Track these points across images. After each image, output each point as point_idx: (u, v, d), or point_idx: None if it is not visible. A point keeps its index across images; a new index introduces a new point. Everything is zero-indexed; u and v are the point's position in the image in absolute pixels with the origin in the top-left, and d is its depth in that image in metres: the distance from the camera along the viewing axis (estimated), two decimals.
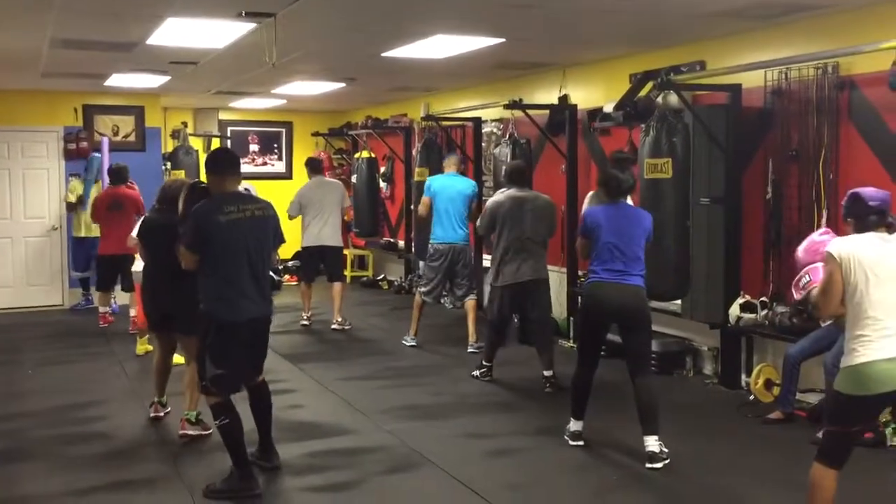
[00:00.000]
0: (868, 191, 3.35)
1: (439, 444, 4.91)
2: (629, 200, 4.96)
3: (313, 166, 8.85)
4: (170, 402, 5.40)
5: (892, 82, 4.92)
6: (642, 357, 4.71)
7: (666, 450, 4.50)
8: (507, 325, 6.40)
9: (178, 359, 5.47)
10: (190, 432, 4.94)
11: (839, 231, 3.98)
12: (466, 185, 7.56)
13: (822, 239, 4.24)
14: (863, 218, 3.29)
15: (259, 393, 4.50)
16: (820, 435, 3.33)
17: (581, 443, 4.82)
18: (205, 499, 4.08)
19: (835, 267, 3.21)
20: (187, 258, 4.19)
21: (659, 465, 4.45)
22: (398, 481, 4.38)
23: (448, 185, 7.45)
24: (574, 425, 4.86)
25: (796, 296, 3.88)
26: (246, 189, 5.04)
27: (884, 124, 5.15)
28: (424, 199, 7.56)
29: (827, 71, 5.39)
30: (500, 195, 6.30)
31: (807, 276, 3.68)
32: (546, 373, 6.10)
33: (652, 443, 4.51)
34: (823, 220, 5.41)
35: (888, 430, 4.62)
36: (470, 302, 7.39)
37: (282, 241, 4.49)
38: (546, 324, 6.27)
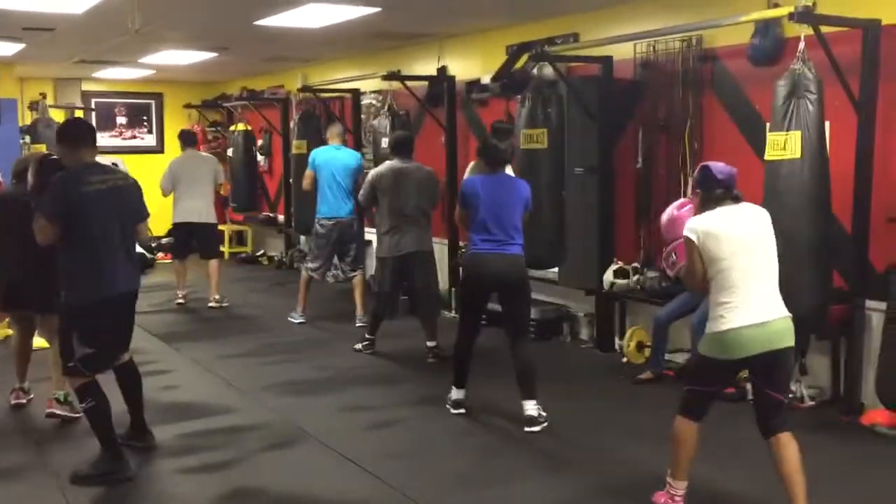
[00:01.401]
0: (717, 165, 3.50)
1: (321, 419, 4.86)
2: (510, 170, 5.00)
3: (186, 139, 8.51)
4: (32, 387, 5.11)
5: (751, 54, 5.17)
6: (521, 325, 4.79)
7: (544, 413, 4.62)
8: (394, 298, 6.35)
9: (39, 343, 5.18)
10: (58, 412, 4.70)
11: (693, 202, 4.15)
12: (351, 157, 7.36)
13: (680, 213, 4.41)
14: (710, 190, 3.44)
15: (127, 371, 4.32)
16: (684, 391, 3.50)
17: (463, 410, 4.88)
18: (72, 486, 3.88)
19: (693, 249, 3.38)
20: (46, 231, 3.90)
21: (537, 427, 4.57)
22: (278, 457, 4.30)
23: (332, 159, 7.23)
24: (455, 394, 4.91)
25: (668, 272, 4.04)
26: (114, 164, 4.79)
27: (744, 95, 5.40)
28: (308, 172, 7.32)
29: (691, 44, 5.60)
30: (382, 167, 6.24)
31: (673, 254, 3.83)
32: (430, 343, 6.13)
33: (530, 407, 4.62)
34: (689, 189, 5.64)
35: (749, 386, 4.88)
36: (357, 277, 7.31)
37: (146, 214, 4.29)
38: (431, 295, 6.28)
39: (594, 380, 5.70)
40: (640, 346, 5.87)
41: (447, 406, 4.92)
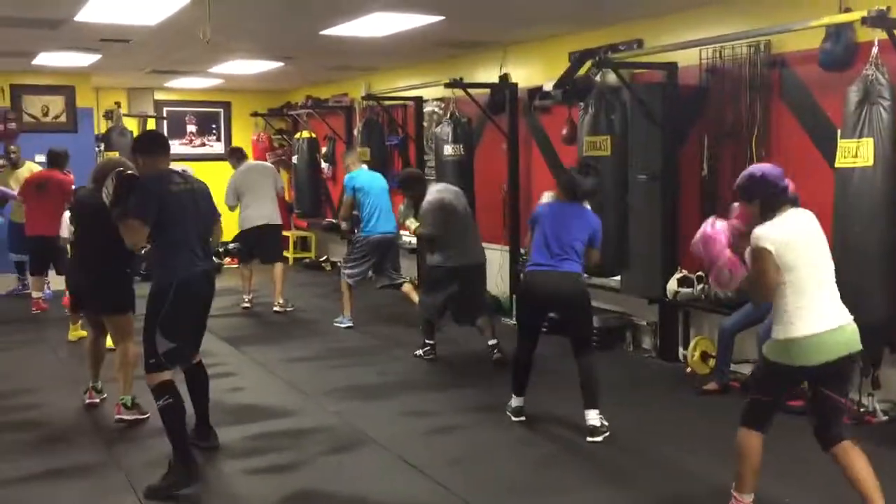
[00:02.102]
0: (768, 168, 3.38)
1: (382, 423, 4.91)
2: (587, 206, 4.87)
3: (238, 155, 8.78)
4: (105, 388, 5.29)
5: (822, 59, 5.05)
6: (584, 339, 4.76)
7: (606, 423, 4.58)
8: (442, 304, 6.36)
9: (111, 343, 5.35)
10: (126, 417, 4.85)
11: (741, 213, 3.54)
12: (382, 178, 7.74)
13: (714, 231, 3.67)
14: (772, 197, 3.29)
15: (196, 373, 4.44)
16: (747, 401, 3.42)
17: (522, 418, 4.87)
18: (147, 500, 3.87)
19: (767, 260, 3.21)
20: (137, 231, 4.01)
21: (600, 438, 4.53)
22: (341, 461, 4.36)
23: (372, 180, 7.58)
24: (515, 401, 4.91)
25: (718, 290, 3.63)
26: (184, 170, 4.95)
27: (814, 101, 5.27)
28: (348, 199, 7.55)
29: (759, 49, 5.49)
30: (439, 193, 6.23)
31: (727, 271, 3.54)
32: (490, 342, 6.15)
33: (593, 416, 4.58)
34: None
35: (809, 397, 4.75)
36: (407, 286, 7.39)
37: (218, 214, 4.52)
38: (478, 302, 6.31)
39: (657, 390, 5.62)
40: (705, 357, 5.77)
41: (507, 413, 4.92)
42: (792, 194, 3.34)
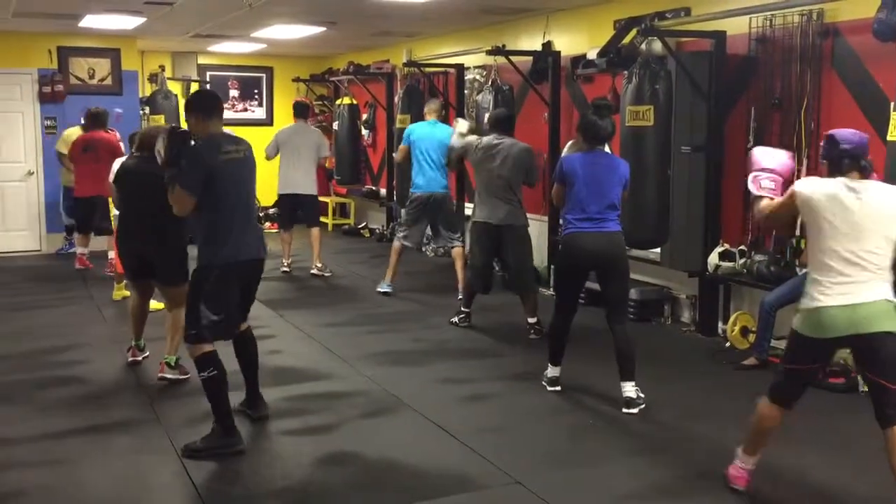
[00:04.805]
0: (844, 133, 3.31)
1: (417, 389, 4.94)
2: (607, 148, 4.92)
3: (299, 110, 8.76)
4: (148, 346, 5.39)
5: (877, 29, 4.89)
6: (620, 304, 4.73)
7: (642, 395, 4.56)
8: (486, 272, 6.37)
9: (156, 304, 5.45)
10: (168, 375, 4.94)
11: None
12: (447, 133, 7.37)
13: (788, 155, 3.84)
14: (836, 161, 3.26)
15: (245, 341, 4.35)
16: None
17: (558, 388, 4.86)
18: (185, 457, 3.90)
19: (792, 203, 3.29)
20: (184, 201, 3.92)
21: (635, 410, 4.51)
22: (375, 424, 4.41)
23: (428, 134, 7.35)
24: (551, 371, 4.90)
25: (753, 189, 3.62)
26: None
27: (866, 72, 5.12)
28: (402, 146, 7.51)
29: (811, 18, 5.34)
30: (479, 140, 6.32)
31: (771, 182, 3.50)
32: (530, 319, 6.12)
33: (629, 388, 4.56)
34: (804, 170, 5.41)
35: (860, 377, 4.68)
36: (457, 250, 7.34)
37: None
38: (526, 270, 6.26)
39: (695, 364, 5.57)
40: (745, 332, 5.70)
41: (543, 383, 4.92)
42: (862, 162, 3.24)
